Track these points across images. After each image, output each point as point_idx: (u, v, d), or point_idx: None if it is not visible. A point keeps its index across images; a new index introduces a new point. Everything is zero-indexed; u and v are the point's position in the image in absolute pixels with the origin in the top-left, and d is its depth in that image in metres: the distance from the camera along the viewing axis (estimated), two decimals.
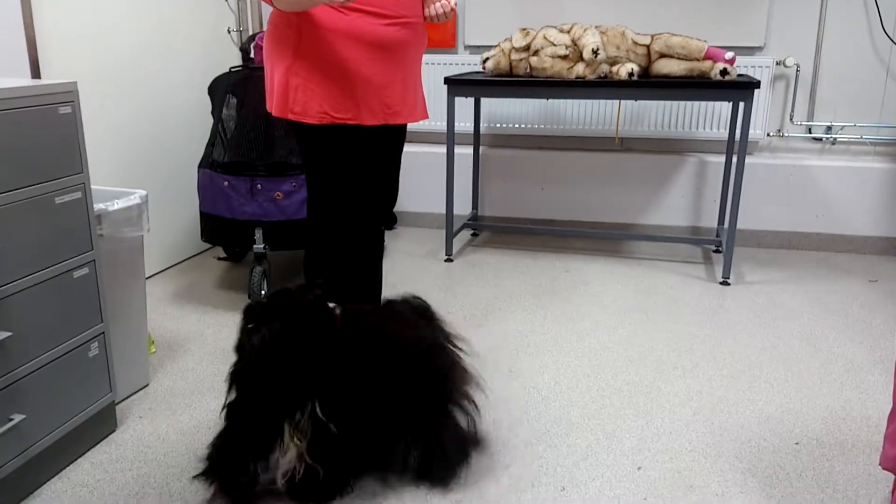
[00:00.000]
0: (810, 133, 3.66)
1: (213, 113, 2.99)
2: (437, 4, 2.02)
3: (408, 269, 3.40)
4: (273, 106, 2.01)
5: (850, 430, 2.05)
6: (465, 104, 3.83)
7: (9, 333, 1.62)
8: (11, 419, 1.66)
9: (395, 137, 2.19)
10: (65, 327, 1.80)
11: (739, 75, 3.19)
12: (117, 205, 1.98)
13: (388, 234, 3.82)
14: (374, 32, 1.92)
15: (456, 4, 2.04)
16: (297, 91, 1.93)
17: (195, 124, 3.44)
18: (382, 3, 1.92)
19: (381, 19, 1.92)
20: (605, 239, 3.84)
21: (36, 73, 2.53)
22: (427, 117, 2.23)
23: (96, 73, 2.84)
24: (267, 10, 3.77)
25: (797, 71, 3.57)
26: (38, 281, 1.70)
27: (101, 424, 1.98)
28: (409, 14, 1.99)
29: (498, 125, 3.92)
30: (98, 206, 1.91)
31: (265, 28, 3.74)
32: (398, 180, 2.31)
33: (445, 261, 3.53)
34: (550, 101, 3.78)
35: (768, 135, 3.69)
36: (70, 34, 2.71)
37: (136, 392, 2.24)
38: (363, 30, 1.90)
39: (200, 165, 2.90)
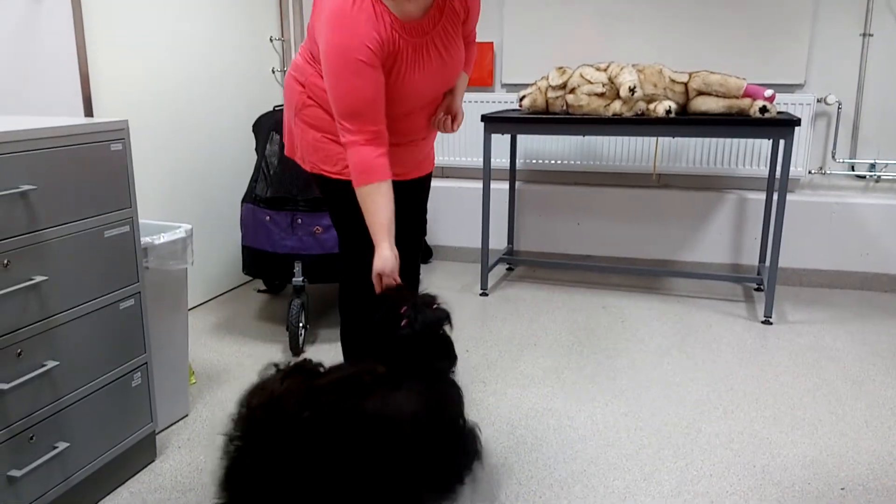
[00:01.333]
0: (853, 170, 3.61)
1: (256, 150, 3.07)
2: (440, 118, 1.99)
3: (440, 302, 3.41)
4: (286, 146, 2.08)
5: None
6: (501, 140, 3.87)
7: (56, 363, 1.66)
8: (56, 447, 1.69)
9: (406, 189, 2.07)
10: (110, 357, 1.84)
11: (779, 112, 3.18)
12: (163, 238, 2.03)
13: (423, 268, 3.84)
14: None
15: (458, 127, 2.03)
16: (297, 139, 2.00)
17: (239, 160, 3.52)
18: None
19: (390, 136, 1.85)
20: (643, 275, 3.81)
21: (88, 108, 2.63)
22: (428, 171, 2.15)
23: (145, 110, 2.94)
24: None
25: (839, 108, 3.53)
26: (86, 312, 1.75)
27: (142, 454, 2.01)
28: (409, 137, 1.97)
29: (534, 161, 3.95)
30: (145, 239, 1.97)
31: None
32: (423, 224, 2.25)
33: (480, 295, 3.53)
34: (587, 137, 3.80)
35: (810, 172, 3.65)
36: (121, 72, 2.81)
37: (175, 422, 2.28)
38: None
39: (244, 200, 2.97)
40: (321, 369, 1.58)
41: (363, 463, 1.48)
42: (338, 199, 1.97)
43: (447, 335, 1.74)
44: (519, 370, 2.67)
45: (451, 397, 1.73)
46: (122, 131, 1.80)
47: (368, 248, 1.96)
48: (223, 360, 2.76)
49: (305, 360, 1.56)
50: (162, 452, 2.10)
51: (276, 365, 1.54)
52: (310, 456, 1.44)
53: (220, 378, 2.61)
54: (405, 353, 1.66)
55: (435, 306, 1.72)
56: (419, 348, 1.67)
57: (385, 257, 1.77)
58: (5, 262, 1.52)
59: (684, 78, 3.18)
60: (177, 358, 2.24)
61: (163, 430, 2.22)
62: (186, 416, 2.32)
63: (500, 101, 3.88)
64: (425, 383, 1.64)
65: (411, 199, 2.15)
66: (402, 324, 1.66)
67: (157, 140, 3.02)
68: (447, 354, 1.74)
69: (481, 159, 3.51)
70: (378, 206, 1.77)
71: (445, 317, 1.73)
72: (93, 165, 1.73)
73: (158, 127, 3.02)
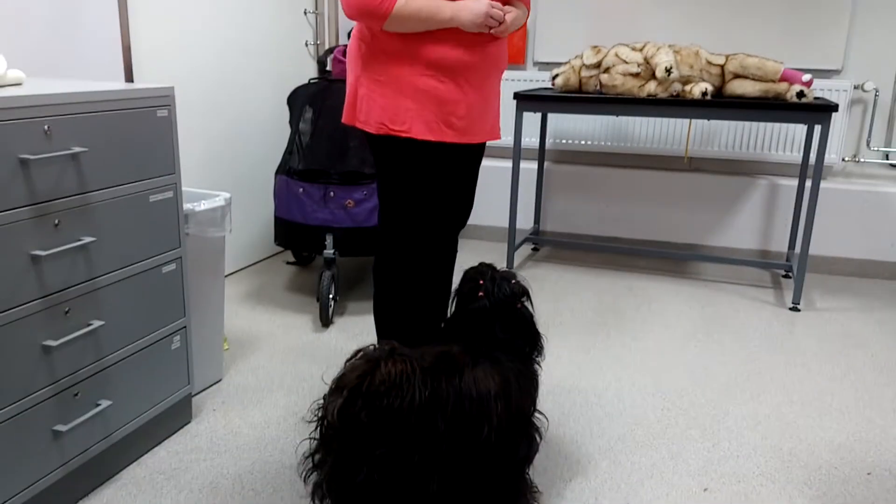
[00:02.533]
0: (888, 160, 3.57)
1: (290, 122, 3.09)
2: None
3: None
4: (345, 114, 2.03)
5: None
6: (530, 119, 3.86)
7: (102, 322, 1.71)
8: (99, 404, 1.74)
9: (468, 155, 2.10)
10: (151, 319, 1.88)
11: (816, 98, 3.14)
12: (204, 205, 2.06)
13: None
14: (442, 55, 1.87)
15: (504, 30, 1.93)
16: (363, 101, 1.94)
17: (273, 132, 3.55)
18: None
19: (452, 42, 1.88)
20: (671, 258, 3.81)
21: (129, 78, 2.66)
22: (496, 138, 2.13)
23: (183, 81, 2.97)
24: (343, 27, 3.87)
25: (876, 96, 3.49)
26: (131, 274, 1.79)
27: (178, 415, 2.06)
28: (481, 35, 1.91)
29: (564, 141, 3.94)
30: (186, 206, 2.00)
31: (341, 42, 3.85)
32: (473, 196, 2.23)
33: None
34: (618, 118, 3.78)
35: (843, 160, 3.61)
36: (161, 43, 2.84)
37: (209, 386, 2.32)
38: (429, 52, 1.86)
39: (277, 172, 3.00)
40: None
41: (452, 442, 1.49)
42: (394, 160, 1.96)
43: (527, 312, 1.76)
44: (545, 349, 2.68)
45: (522, 381, 1.71)
46: (169, 98, 1.83)
47: (408, 219, 2.01)
48: (255, 329, 2.81)
49: (393, 343, 1.53)
50: (197, 415, 2.15)
51: (363, 350, 1.50)
52: (418, 434, 1.45)
53: (252, 345, 2.65)
54: (478, 326, 1.69)
55: (513, 281, 1.75)
56: (493, 323, 1.70)
57: (476, 6, 1.84)
58: (56, 221, 1.56)
59: (721, 60, 3.15)
60: (213, 324, 2.28)
61: (198, 394, 2.27)
62: (220, 380, 2.37)
63: (531, 79, 3.86)
64: (499, 364, 1.63)
65: (468, 169, 2.15)
66: (479, 295, 1.70)
67: (192, 110, 3.05)
68: (525, 332, 1.75)
69: (511, 138, 3.50)
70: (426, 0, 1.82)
71: (523, 292, 1.75)
72: (140, 130, 1.76)
73: (194, 97, 3.06)
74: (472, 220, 4.14)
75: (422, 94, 1.89)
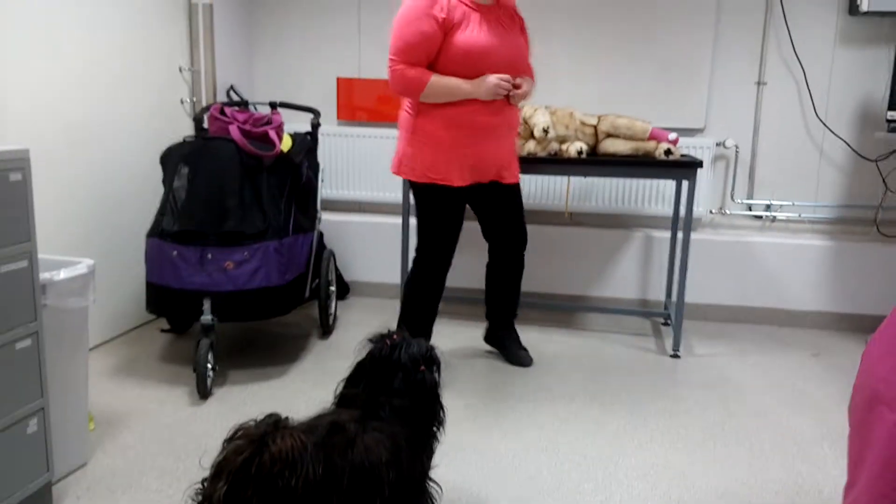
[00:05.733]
0: (751, 211, 3.81)
1: (164, 182, 2.95)
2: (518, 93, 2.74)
3: (358, 341, 3.34)
4: (394, 166, 2.81)
5: (804, 503, 2.07)
6: None
7: None
8: None
9: (501, 192, 2.92)
10: (3, 402, 1.70)
11: (682, 155, 3.33)
12: (63, 274, 1.91)
13: (340, 305, 3.77)
14: (471, 119, 2.68)
15: (522, 97, 2.77)
16: (411, 158, 2.74)
17: (145, 193, 3.38)
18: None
19: (478, 110, 2.67)
20: (556, 310, 3.87)
21: None
22: (516, 181, 2.92)
23: (45, 139, 2.79)
24: (221, 85, 3.79)
25: (736, 152, 3.74)
26: None
27: None
28: (499, 103, 2.71)
29: None
30: (43, 275, 1.84)
31: (219, 100, 3.76)
32: (522, 223, 3.03)
33: None
34: None
35: (711, 212, 3.83)
36: (24, 103, 2.66)
37: (73, 471, 2.12)
38: (462, 118, 2.66)
39: (149, 234, 2.84)
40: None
41: None
42: (434, 199, 2.77)
43: (430, 378, 1.72)
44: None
45: (414, 447, 1.65)
46: (23, 160, 1.69)
47: (442, 239, 2.85)
48: (124, 405, 2.60)
49: (277, 415, 1.44)
50: None
51: (243, 427, 1.39)
52: None
53: (122, 423, 2.45)
54: (375, 376, 1.67)
55: (424, 346, 1.73)
56: (389, 376, 1.68)
57: (488, 80, 2.63)
58: None
59: (594, 121, 3.29)
60: (76, 402, 2.09)
61: (59, 480, 2.05)
62: (85, 464, 2.17)
63: None
64: (389, 428, 1.58)
65: (509, 202, 2.97)
66: (386, 343, 1.71)
67: (55, 169, 2.86)
68: (422, 398, 1.70)
69: (398, 194, 3.51)
70: (450, 80, 2.61)
71: (429, 358, 1.73)
72: None
73: (58, 156, 2.87)
74: (361, 277, 4.10)
75: (456, 153, 2.70)
